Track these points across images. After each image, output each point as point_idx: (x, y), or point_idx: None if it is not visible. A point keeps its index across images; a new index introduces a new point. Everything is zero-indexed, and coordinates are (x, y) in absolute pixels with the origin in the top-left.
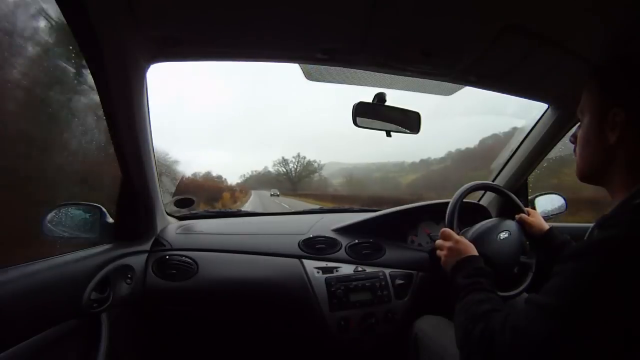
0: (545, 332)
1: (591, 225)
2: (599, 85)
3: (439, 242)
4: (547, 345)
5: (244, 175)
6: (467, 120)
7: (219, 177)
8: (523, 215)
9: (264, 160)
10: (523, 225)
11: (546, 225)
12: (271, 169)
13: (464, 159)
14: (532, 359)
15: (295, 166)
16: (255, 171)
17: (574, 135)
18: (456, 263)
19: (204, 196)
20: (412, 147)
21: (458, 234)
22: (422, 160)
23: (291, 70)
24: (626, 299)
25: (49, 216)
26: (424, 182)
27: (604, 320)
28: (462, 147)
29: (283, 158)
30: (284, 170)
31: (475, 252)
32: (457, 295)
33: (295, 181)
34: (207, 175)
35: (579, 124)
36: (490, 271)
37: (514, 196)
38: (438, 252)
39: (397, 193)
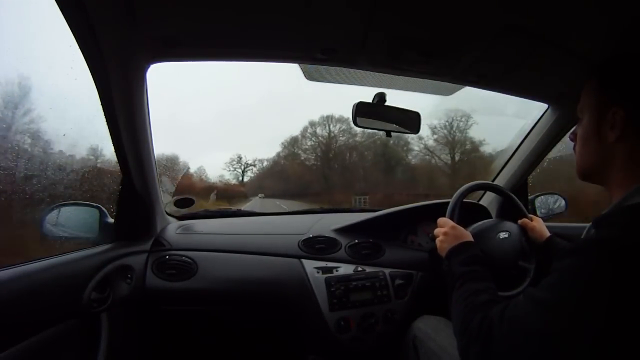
0: (540, 325)
1: (588, 225)
2: (598, 84)
3: (436, 230)
4: (542, 338)
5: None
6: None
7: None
8: (526, 220)
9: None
10: (524, 230)
11: (547, 232)
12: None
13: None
14: (528, 350)
15: None
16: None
17: (574, 133)
18: (452, 248)
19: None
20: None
21: None
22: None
23: (293, 70)
24: (618, 298)
25: (49, 216)
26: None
27: (595, 317)
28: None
29: None
30: None
31: (471, 239)
32: (453, 283)
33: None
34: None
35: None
36: (485, 258)
37: (516, 199)
38: (435, 240)
39: None
